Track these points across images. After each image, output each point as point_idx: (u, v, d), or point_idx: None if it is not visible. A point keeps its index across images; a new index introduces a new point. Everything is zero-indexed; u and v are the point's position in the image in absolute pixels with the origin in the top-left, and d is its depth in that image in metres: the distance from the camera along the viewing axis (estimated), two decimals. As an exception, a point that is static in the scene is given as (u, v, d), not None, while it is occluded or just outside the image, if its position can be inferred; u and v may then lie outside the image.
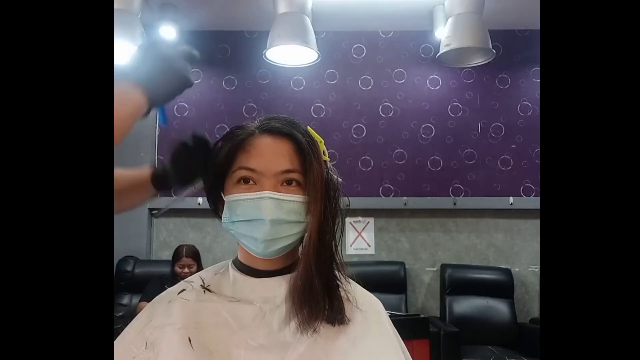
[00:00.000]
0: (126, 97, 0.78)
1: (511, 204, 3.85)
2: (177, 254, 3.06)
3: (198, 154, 0.85)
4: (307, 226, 0.79)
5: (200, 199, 3.64)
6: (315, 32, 3.00)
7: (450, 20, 3.05)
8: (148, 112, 0.83)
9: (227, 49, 4.07)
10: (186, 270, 2.96)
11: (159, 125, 3.99)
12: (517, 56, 3.99)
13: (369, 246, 3.91)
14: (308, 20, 2.98)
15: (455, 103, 4.00)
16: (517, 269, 3.86)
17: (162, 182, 0.89)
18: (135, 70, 0.83)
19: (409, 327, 2.47)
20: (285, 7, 2.97)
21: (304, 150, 0.79)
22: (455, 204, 3.89)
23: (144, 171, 0.91)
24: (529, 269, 3.89)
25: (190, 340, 0.76)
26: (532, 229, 3.87)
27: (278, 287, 0.81)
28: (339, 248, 0.81)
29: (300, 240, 0.82)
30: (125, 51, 2.97)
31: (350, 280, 0.84)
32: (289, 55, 3.12)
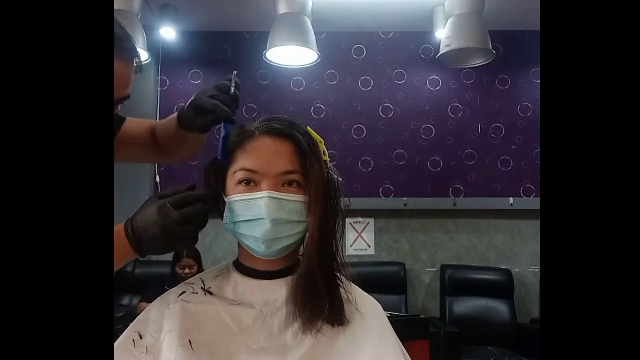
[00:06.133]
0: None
1: (511, 204, 3.84)
2: (178, 255, 3.05)
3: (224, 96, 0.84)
4: (308, 226, 0.79)
5: (200, 200, 3.63)
6: (315, 32, 2.99)
7: (450, 20, 3.04)
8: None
9: (227, 49, 4.07)
10: (187, 271, 2.95)
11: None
12: (517, 56, 3.98)
13: (369, 247, 3.90)
14: (308, 21, 2.97)
15: (455, 103, 3.99)
16: (517, 270, 3.86)
17: (186, 121, 0.86)
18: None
19: (409, 327, 2.47)
20: (285, 7, 2.97)
21: (304, 151, 0.79)
22: (455, 204, 3.88)
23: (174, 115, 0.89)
24: (529, 270, 3.89)
25: (190, 342, 0.76)
26: (532, 229, 3.87)
27: (279, 290, 0.81)
28: (339, 248, 0.81)
29: (301, 241, 0.82)
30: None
31: (350, 282, 0.84)
32: (289, 55, 3.11)
